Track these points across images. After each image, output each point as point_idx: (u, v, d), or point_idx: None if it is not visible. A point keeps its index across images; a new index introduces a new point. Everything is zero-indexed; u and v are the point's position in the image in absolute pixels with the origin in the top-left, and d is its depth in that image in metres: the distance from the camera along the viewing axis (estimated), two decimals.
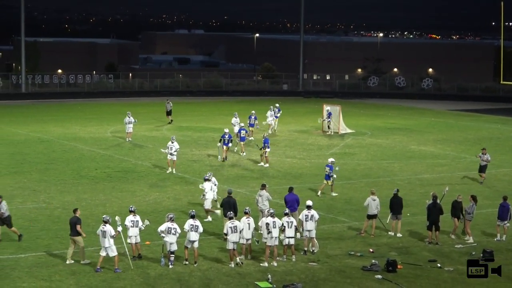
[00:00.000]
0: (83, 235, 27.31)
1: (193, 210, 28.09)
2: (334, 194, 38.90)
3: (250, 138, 55.08)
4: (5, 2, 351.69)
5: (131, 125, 55.33)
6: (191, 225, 27.02)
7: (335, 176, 39.14)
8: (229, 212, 28.18)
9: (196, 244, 27.13)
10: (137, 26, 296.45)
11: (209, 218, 33.19)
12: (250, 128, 56.85)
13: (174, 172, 43.42)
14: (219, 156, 47.93)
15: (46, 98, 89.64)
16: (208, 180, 33.93)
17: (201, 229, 27.24)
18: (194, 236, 27.01)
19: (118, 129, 60.33)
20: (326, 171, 39.02)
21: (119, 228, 26.68)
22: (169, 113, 66.35)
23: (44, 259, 27.61)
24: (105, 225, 26.35)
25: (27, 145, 54.04)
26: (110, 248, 26.24)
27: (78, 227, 27.09)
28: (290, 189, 32.28)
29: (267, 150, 46.54)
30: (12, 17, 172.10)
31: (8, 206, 30.05)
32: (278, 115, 61.19)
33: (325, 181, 39.10)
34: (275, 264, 27.32)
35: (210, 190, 33.62)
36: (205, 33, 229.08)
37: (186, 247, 27.19)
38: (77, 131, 61.03)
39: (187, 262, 27.09)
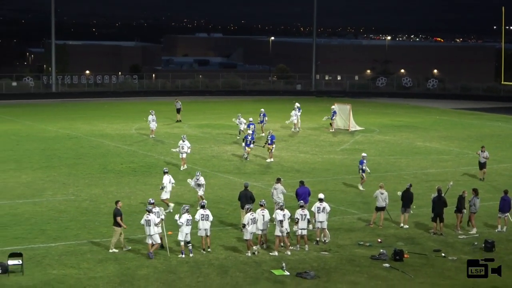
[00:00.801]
0: (123, 227, 27.49)
1: (204, 201, 28.24)
2: (361, 189, 38.74)
3: (261, 134, 55.41)
4: (37, 7, 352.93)
5: (155, 123, 55.52)
6: (202, 214, 27.23)
7: (367, 169, 39.00)
8: (247, 205, 28.29)
9: (208, 232, 27.37)
10: (160, 30, 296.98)
11: (171, 206, 33.08)
12: (260, 125, 57.01)
13: (185, 167, 43.01)
14: (244, 154, 47.39)
15: (74, 97, 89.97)
16: (167, 173, 33.85)
17: (211, 217, 27.46)
18: (205, 224, 27.22)
19: (142, 126, 60.39)
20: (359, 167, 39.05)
21: (162, 217, 27.08)
22: (178, 111, 66.22)
23: (73, 248, 27.73)
24: (148, 215, 26.61)
25: (57, 141, 54.25)
26: (154, 236, 26.52)
27: (118, 218, 27.35)
28: (301, 183, 32.31)
29: (273, 146, 46.51)
30: (43, 22, 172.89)
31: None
32: (299, 114, 61.09)
33: (363, 175, 38.92)
34: (289, 253, 27.36)
35: (169, 183, 33.43)
36: (224, 36, 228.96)
37: (201, 236, 27.39)
38: (104, 128, 61.21)
39: (204, 251, 27.24)
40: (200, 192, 33.33)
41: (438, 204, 30.50)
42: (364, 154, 39.87)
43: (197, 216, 27.19)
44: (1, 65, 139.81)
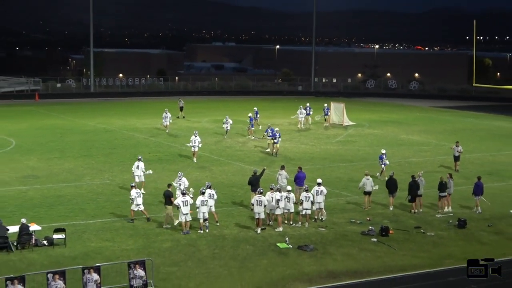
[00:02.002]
0: (174, 205, 27.49)
1: (209, 183, 28.51)
2: (379, 177, 37.69)
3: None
4: (78, 20, 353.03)
5: (169, 119, 55.45)
6: (210, 193, 27.60)
7: (387, 162, 38.15)
8: (258, 188, 28.37)
9: (213, 208, 27.71)
10: (183, 39, 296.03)
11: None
12: (255, 121, 56.05)
13: (195, 161, 42.04)
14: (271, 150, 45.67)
15: (110, 97, 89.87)
16: (140, 160, 33.81)
17: (215, 196, 27.94)
18: (211, 202, 27.54)
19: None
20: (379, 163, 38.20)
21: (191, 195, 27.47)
22: (181, 109, 65.85)
23: (108, 224, 27.83)
24: (184, 196, 26.79)
25: (95, 134, 54.30)
26: (188, 214, 26.63)
27: (172, 199, 27.47)
28: (300, 168, 32.56)
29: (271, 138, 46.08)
30: (83, 32, 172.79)
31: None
32: (311, 112, 60.57)
33: (383, 168, 38.09)
34: (291, 223, 27.86)
35: (137, 169, 33.43)
36: (236, 45, 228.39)
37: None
38: (135, 123, 61.20)
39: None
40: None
41: (414, 188, 30.67)
42: (383, 151, 38.79)
43: (206, 195, 27.48)
44: (47, 70, 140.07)
